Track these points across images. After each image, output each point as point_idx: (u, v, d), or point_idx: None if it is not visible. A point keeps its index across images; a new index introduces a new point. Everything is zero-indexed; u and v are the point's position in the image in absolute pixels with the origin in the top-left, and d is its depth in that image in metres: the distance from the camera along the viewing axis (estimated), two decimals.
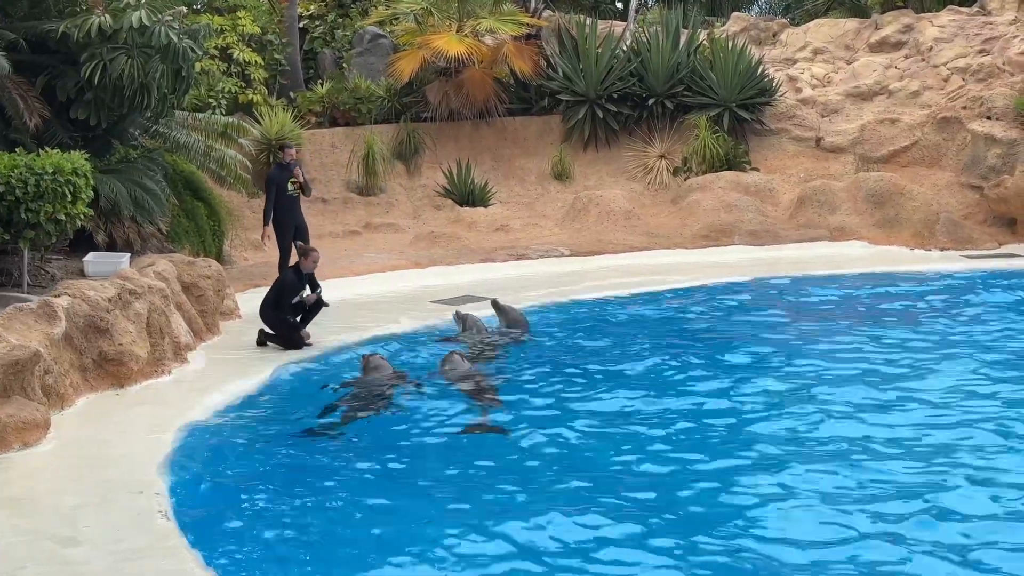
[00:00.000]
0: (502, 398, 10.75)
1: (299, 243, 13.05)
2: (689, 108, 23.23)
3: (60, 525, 7.35)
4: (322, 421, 10.05)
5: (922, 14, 25.00)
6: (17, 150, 12.06)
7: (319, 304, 12.69)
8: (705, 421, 10.04)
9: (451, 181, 22.15)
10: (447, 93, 22.86)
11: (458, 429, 9.92)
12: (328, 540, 7.42)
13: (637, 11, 27.84)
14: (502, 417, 10.14)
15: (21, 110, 13.10)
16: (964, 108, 21.90)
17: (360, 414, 10.25)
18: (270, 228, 15.36)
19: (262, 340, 12.60)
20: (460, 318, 13.48)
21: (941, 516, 7.62)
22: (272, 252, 17.96)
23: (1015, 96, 21.26)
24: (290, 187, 15.15)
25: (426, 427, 9.97)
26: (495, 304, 14.00)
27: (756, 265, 18.06)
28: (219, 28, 22.00)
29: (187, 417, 9.86)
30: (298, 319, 12.65)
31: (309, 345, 12.49)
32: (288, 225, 15.35)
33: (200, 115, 17.36)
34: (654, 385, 11.21)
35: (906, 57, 24.06)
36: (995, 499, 7.89)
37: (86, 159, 12.19)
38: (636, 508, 7.86)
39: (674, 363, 12.09)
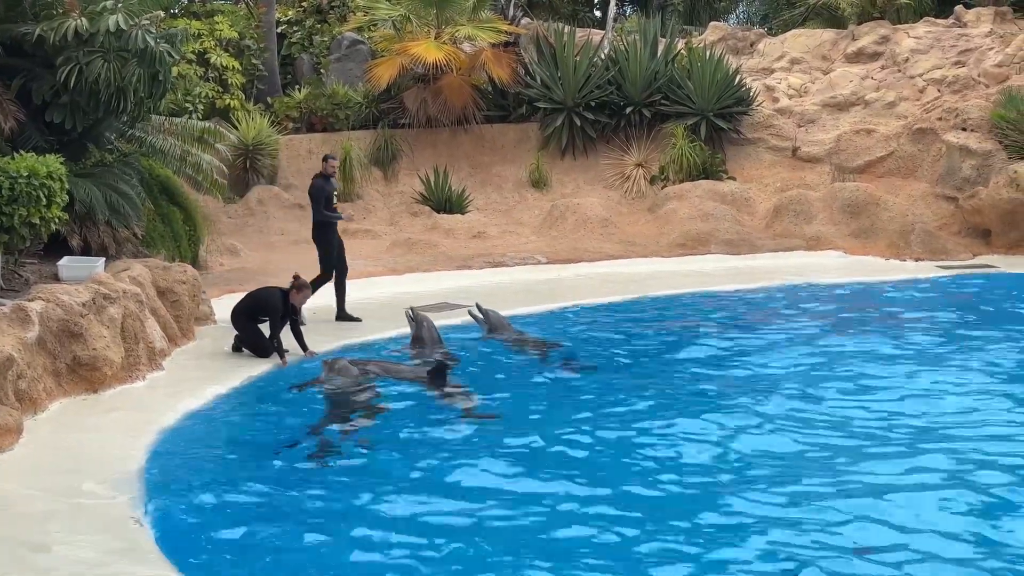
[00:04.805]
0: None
1: (297, 276, 12.71)
2: (666, 117, 23.26)
3: (32, 530, 7.30)
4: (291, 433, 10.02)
5: (898, 25, 25.13)
6: None
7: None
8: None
9: (428, 188, 22.13)
10: (425, 100, 22.85)
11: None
12: (301, 547, 7.39)
13: (615, 20, 27.90)
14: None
15: None
16: (939, 119, 22.02)
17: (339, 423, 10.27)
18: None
19: (237, 346, 12.56)
20: (414, 320, 13.18)
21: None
22: (248, 258, 17.96)
23: (990, 108, 21.40)
24: (335, 199, 14.67)
25: (398, 431, 9.98)
26: (481, 314, 13.87)
27: (732, 274, 18.11)
28: (196, 33, 21.96)
29: (161, 422, 9.82)
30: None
31: (287, 351, 12.40)
32: (333, 235, 14.72)
33: (177, 120, 17.30)
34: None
35: (882, 68, 24.20)
36: None
37: (61, 163, 12.13)
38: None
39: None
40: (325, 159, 15.00)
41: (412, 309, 13.39)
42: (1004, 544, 7.37)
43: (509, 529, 7.71)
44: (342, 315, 14.45)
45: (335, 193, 14.80)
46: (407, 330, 13.44)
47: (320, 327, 13.55)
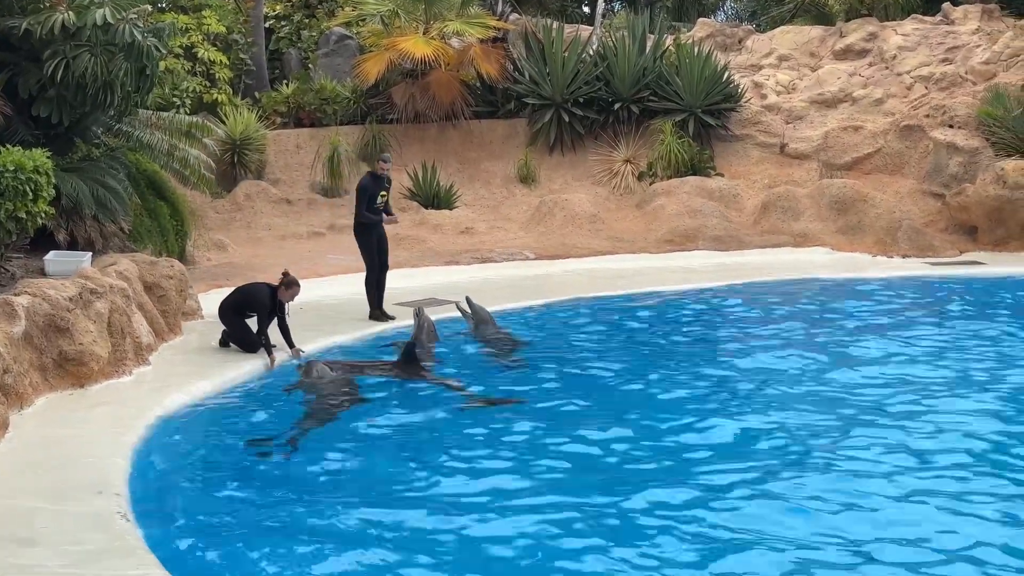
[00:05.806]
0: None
1: (287, 272, 12.64)
2: (655, 113, 23.28)
3: (17, 525, 7.27)
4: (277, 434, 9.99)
5: (886, 22, 25.19)
6: None
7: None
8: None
9: (416, 183, 22.11)
10: (413, 95, 22.82)
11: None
12: (289, 543, 7.38)
13: (604, 15, 27.90)
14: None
15: None
16: (927, 116, 22.06)
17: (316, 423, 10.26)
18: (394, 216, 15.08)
19: (224, 341, 12.53)
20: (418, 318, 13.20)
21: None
22: (235, 253, 17.92)
23: (977, 105, 21.46)
24: (379, 199, 14.57)
25: (378, 428, 9.98)
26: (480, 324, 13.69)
27: (720, 270, 18.13)
28: (184, 27, 21.89)
29: (147, 417, 9.79)
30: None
31: (275, 347, 12.36)
32: (372, 233, 14.68)
33: (164, 114, 17.22)
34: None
35: (870, 65, 24.25)
36: None
37: (48, 157, 12.07)
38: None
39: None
40: (378, 159, 14.95)
41: (421, 309, 13.36)
42: None
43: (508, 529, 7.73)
44: (379, 303, 14.51)
45: (383, 194, 14.60)
46: (393, 328, 13.41)
47: (307, 323, 13.51)
